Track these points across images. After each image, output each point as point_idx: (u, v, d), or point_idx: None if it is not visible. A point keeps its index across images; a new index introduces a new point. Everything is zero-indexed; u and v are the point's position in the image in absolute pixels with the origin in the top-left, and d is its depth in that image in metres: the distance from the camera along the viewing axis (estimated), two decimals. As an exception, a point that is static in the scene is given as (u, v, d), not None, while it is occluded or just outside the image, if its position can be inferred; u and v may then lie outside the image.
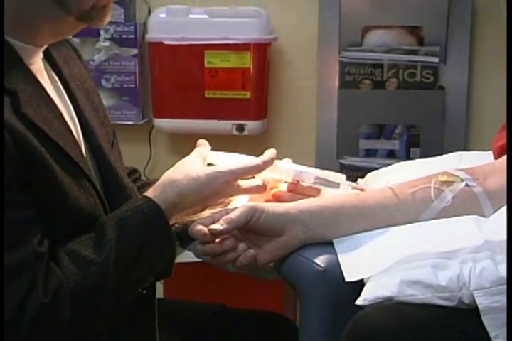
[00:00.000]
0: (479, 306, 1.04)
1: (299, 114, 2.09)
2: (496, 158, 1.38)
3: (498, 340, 1.03)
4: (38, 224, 1.07)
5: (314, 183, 1.33)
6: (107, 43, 2.01)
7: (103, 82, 2.05)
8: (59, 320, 1.04)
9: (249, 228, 1.20)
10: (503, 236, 1.12)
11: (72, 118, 1.21)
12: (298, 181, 1.33)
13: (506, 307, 1.00)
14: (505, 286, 1.05)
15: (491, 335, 1.03)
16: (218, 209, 1.26)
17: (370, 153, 1.99)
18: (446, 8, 1.88)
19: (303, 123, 2.08)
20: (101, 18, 1.16)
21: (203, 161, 1.29)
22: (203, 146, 1.33)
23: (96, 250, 1.09)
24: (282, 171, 1.33)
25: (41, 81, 1.16)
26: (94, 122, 1.26)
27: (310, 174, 1.33)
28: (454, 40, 1.93)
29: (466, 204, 1.24)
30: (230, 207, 1.27)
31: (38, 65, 1.18)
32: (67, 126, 1.17)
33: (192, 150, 1.33)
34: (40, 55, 1.19)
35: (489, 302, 1.04)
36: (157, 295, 1.29)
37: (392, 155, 1.98)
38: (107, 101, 2.01)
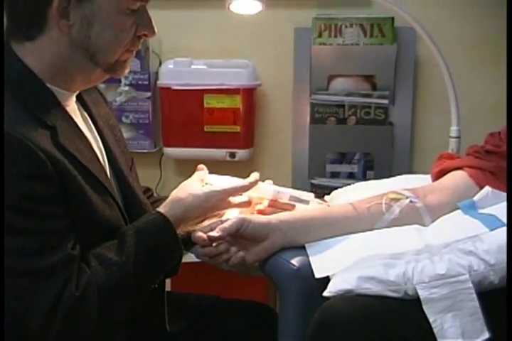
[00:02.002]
0: (420, 297, 1.05)
1: (279, 143, 2.08)
2: (433, 180, 1.38)
3: (435, 324, 1.03)
4: (71, 232, 1.06)
5: (289, 200, 1.34)
6: (126, 88, 2.01)
7: (123, 119, 2.04)
8: (88, 309, 1.03)
9: (239, 235, 1.20)
10: (439, 240, 1.13)
11: (99, 148, 1.21)
12: (276, 199, 1.34)
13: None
14: (440, 281, 1.05)
15: (430, 320, 1.04)
16: (214, 220, 1.26)
17: (334, 175, 1.97)
18: (394, 61, 1.89)
19: (282, 151, 2.08)
20: (122, 70, 1.17)
21: (201, 182, 1.29)
22: (202, 170, 1.33)
23: (118, 253, 1.09)
24: (264, 191, 1.33)
25: (75, 119, 1.16)
26: (117, 151, 1.26)
27: (286, 193, 1.34)
28: (401, 86, 1.94)
29: (410, 216, 1.24)
30: (223, 218, 1.26)
31: (72, 106, 1.18)
32: (96, 154, 1.17)
33: (193, 172, 1.34)
34: (74, 98, 1.19)
35: (428, 294, 1.05)
36: (166, 289, 1.29)
37: (352, 177, 1.96)
38: (126, 133, 1.99)
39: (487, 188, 1.24)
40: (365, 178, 1.93)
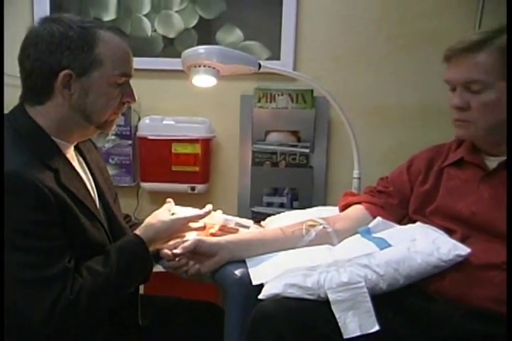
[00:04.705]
0: (330, 299, 1.07)
1: (228, 180, 2.08)
2: (340, 211, 1.41)
3: (340, 319, 1.05)
4: (68, 250, 1.06)
5: (235, 225, 1.36)
6: (113, 137, 2.00)
7: (110, 160, 2.02)
8: (79, 310, 1.03)
9: (196, 252, 1.22)
10: (344, 257, 1.14)
11: (91, 185, 1.21)
12: (225, 225, 1.35)
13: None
14: (343, 287, 1.07)
15: (337, 316, 1.06)
16: (178, 240, 1.27)
17: (269, 204, 1.96)
18: (313, 121, 1.92)
19: (230, 186, 2.07)
20: (110, 127, 1.18)
21: (168, 212, 1.30)
22: (169, 203, 1.34)
23: (103, 266, 1.08)
24: (215, 218, 1.35)
25: (73, 163, 1.16)
26: (104, 187, 1.26)
27: (232, 220, 1.36)
28: (318, 139, 1.96)
29: (323, 239, 1.27)
30: (185, 239, 1.27)
31: (71, 154, 1.18)
32: (88, 190, 1.17)
33: (163, 202, 1.34)
34: (72, 147, 1.19)
35: (335, 297, 1.07)
36: (139, 292, 1.27)
37: (282, 206, 1.95)
38: (112, 171, 1.99)
39: (378, 218, 1.29)
40: (292, 207, 1.93)
